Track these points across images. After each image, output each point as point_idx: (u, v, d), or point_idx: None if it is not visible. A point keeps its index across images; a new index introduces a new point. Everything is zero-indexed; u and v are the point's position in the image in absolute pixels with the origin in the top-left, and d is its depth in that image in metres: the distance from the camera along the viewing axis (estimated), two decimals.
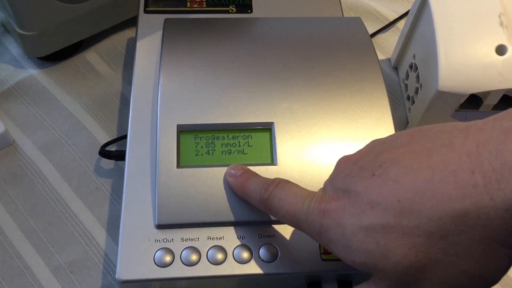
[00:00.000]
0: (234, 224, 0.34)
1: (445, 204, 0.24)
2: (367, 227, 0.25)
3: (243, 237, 0.34)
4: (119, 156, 0.42)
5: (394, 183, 0.25)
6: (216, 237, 0.34)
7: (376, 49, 0.42)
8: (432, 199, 0.24)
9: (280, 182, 0.31)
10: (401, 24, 0.53)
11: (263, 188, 0.31)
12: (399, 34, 0.48)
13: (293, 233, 0.34)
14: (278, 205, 0.30)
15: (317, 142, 0.37)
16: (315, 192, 0.29)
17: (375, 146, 0.28)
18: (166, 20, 0.43)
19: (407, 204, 0.24)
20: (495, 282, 0.25)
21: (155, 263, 0.33)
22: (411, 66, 0.46)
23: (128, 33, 0.51)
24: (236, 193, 0.34)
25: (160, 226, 0.34)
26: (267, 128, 0.37)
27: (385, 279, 0.26)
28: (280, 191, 0.30)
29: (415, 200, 0.24)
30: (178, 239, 0.34)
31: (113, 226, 0.40)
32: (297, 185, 0.31)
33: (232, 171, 0.34)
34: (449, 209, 0.23)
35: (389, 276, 0.25)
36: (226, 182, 0.34)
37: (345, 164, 0.28)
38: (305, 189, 0.30)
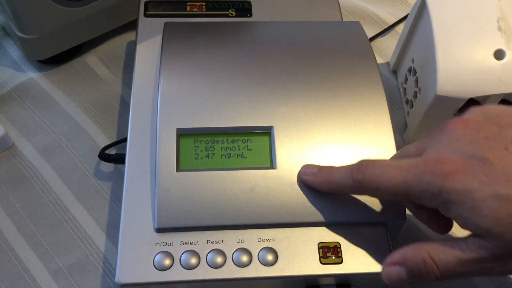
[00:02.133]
0: (233, 227, 0.34)
1: None
2: (502, 197, 0.27)
3: (242, 241, 0.34)
4: (119, 159, 0.42)
5: None
6: (216, 241, 0.34)
7: (375, 53, 0.43)
8: None
9: (369, 162, 0.32)
10: (400, 28, 0.53)
11: (353, 171, 0.32)
12: (398, 38, 0.48)
13: (292, 237, 0.34)
14: (378, 180, 0.31)
15: (316, 146, 0.37)
16: (415, 158, 0.30)
17: (491, 117, 0.30)
18: (166, 24, 0.43)
19: None
20: None
21: (154, 266, 0.33)
22: (410, 70, 0.46)
23: (128, 36, 0.51)
24: (319, 188, 0.34)
25: (159, 230, 0.34)
26: (267, 132, 0.37)
27: (500, 246, 0.28)
28: (373, 169, 0.31)
29: None
30: (177, 242, 0.34)
31: (112, 230, 0.40)
32: (384, 160, 0.32)
33: (308, 170, 0.35)
34: None
35: (507, 244, 0.27)
36: (302, 182, 0.35)
37: (464, 130, 0.30)
38: (395, 160, 0.32)
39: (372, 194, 0.33)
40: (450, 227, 0.33)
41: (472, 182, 0.28)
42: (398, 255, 0.31)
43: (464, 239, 0.29)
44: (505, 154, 0.28)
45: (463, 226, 0.29)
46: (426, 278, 0.30)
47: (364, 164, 0.32)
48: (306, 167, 0.36)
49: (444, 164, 0.29)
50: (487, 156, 0.28)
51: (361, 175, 0.32)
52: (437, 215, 0.31)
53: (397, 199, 0.32)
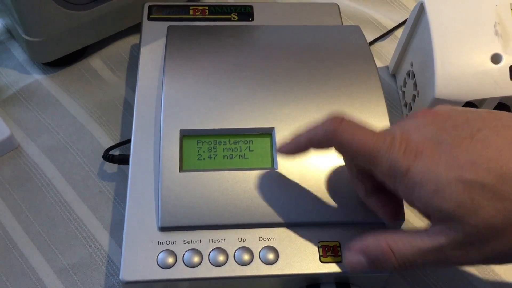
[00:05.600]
0: (235, 226, 0.35)
1: None
2: (466, 181, 0.28)
3: (244, 240, 0.35)
4: (123, 160, 0.42)
5: (496, 150, 0.28)
6: (218, 240, 0.35)
7: (374, 57, 0.43)
8: None
9: (344, 119, 0.31)
10: (399, 32, 0.54)
11: (326, 122, 0.31)
12: (397, 42, 0.49)
13: (292, 236, 0.35)
14: (351, 138, 0.31)
15: None
16: (391, 133, 0.30)
17: (458, 110, 0.31)
18: (169, 27, 0.44)
19: (510, 172, 0.27)
20: None
21: (158, 264, 0.33)
22: (408, 74, 0.47)
23: (132, 39, 0.52)
24: (294, 148, 0.33)
25: (163, 229, 0.35)
26: (268, 134, 0.38)
27: (461, 231, 0.28)
28: (349, 127, 0.31)
29: None
30: (180, 241, 0.34)
31: (116, 229, 0.41)
32: (361, 125, 0.31)
33: (283, 143, 0.34)
34: None
35: (468, 229, 0.28)
36: (279, 152, 0.34)
37: (434, 118, 0.30)
38: (372, 130, 0.31)
39: (341, 150, 0.32)
40: (398, 214, 0.33)
41: (438, 165, 0.28)
42: (360, 244, 0.31)
43: (426, 229, 0.30)
44: (471, 141, 0.29)
45: (424, 210, 0.29)
46: (385, 268, 0.30)
47: (339, 118, 0.31)
48: (280, 145, 0.34)
49: (413, 146, 0.29)
50: (454, 143, 0.29)
51: (335, 125, 0.31)
52: (388, 199, 0.32)
53: (362, 166, 0.31)
